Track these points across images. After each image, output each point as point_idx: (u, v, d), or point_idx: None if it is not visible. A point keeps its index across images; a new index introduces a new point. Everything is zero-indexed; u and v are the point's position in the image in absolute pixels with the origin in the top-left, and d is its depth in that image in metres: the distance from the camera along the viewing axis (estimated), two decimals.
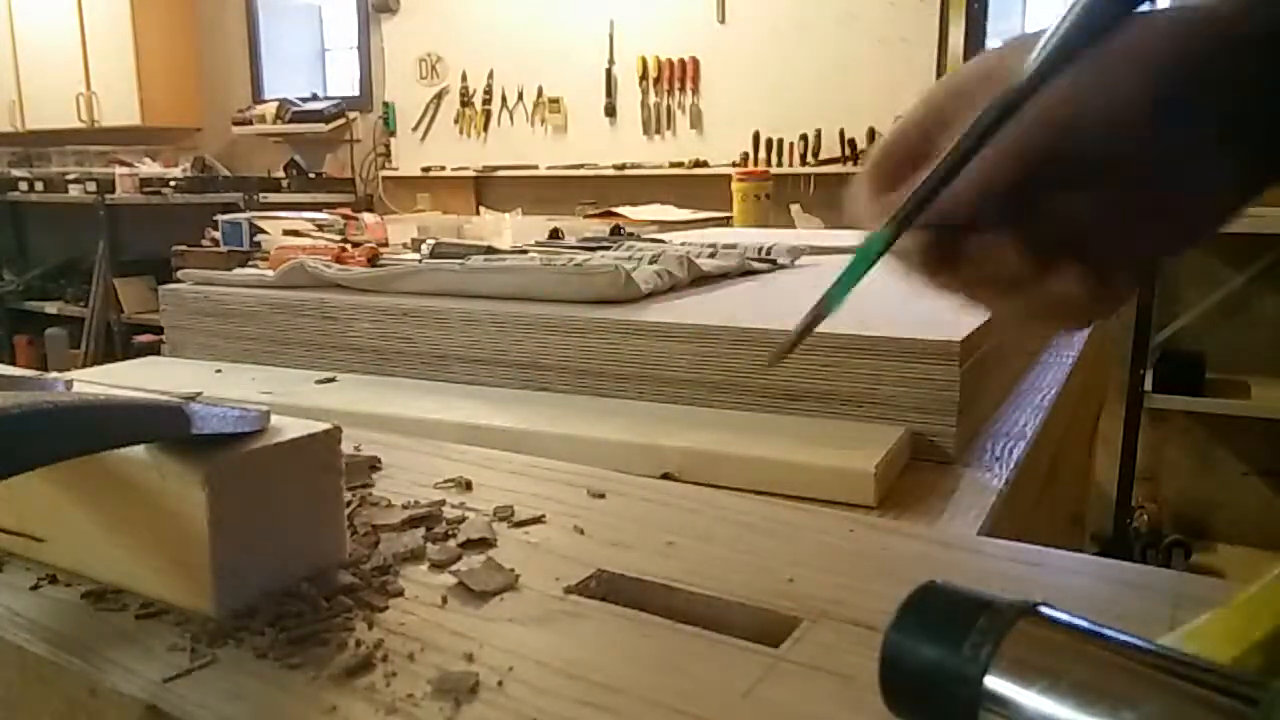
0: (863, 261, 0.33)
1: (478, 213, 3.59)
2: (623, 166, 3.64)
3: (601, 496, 0.47)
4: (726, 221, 2.49)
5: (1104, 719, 0.21)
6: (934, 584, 0.26)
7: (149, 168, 4.60)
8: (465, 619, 0.35)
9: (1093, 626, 0.23)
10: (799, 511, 0.47)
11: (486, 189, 4.13)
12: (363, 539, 0.41)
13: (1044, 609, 0.24)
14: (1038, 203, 0.31)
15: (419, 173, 4.28)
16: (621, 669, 0.31)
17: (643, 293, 0.82)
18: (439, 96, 4.21)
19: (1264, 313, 2.84)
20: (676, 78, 3.54)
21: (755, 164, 3.38)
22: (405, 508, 0.45)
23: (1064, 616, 0.24)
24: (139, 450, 0.35)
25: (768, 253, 1.10)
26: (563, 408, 0.70)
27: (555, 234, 1.65)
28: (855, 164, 3.38)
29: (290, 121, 4.57)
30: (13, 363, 3.95)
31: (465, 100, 4.13)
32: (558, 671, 0.31)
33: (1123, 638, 0.23)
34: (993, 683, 0.23)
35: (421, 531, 0.42)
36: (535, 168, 3.84)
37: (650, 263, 0.93)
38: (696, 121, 3.55)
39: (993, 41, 3.12)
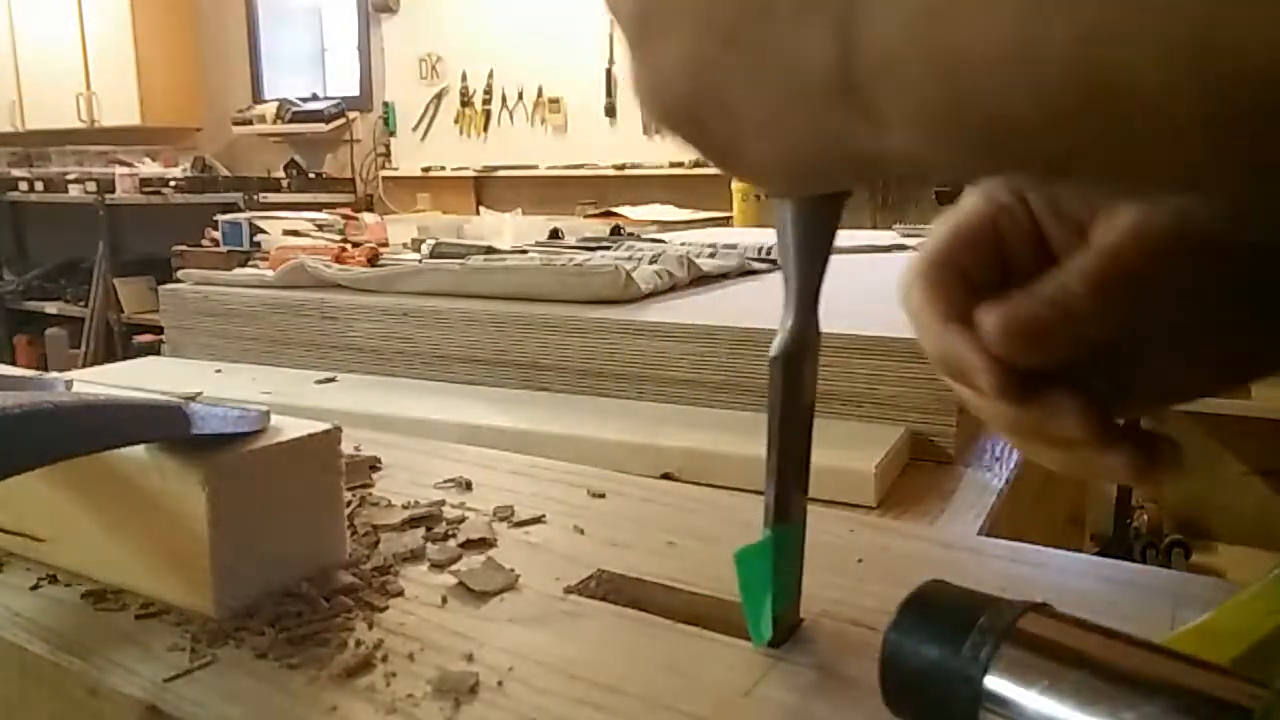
0: (762, 581, 0.31)
1: (478, 213, 3.59)
2: (623, 166, 3.64)
3: (601, 496, 0.47)
4: (726, 221, 2.50)
5: (1105, 718, 0.21)
6: (934, 584, 0.26)
7: (149, 168, 4.60)
8: (465, 619, 0.35)
9: (1093, 626, 0.23)
10: None
11: (486, 189, 4.13)
12: (363, 539, 0.41)
13: (1044, 609, 0.24)
14: (1117, 367, 0.30)
15: (419, 173, 4.29)
16: (621, 669, 0.31)
17: (643, 293, 0.82)
18: (439, 96, 4.21)
19: None
20: None
21: None
22: (405, 508, 0.45)
23: (1064, 617, 0.24)
24: (139, 450, 0.35)
25: (768, 253, 1.10)
26: (563, 408, 0.70)
27: (555, 234, 1.65)
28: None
29: (290, 121, 4.57)
30: (13, 363, 3.95)
31: (465, 100, 4.13)
32: (558, 671, 0.31)
33: (1123, 638, 0.23)
34: (993, 683, 0.23)
35: (421, 531, 0.42)
36: (535, 168, 3.84)
37: (650, 263, 0.93)
38: None
39: None
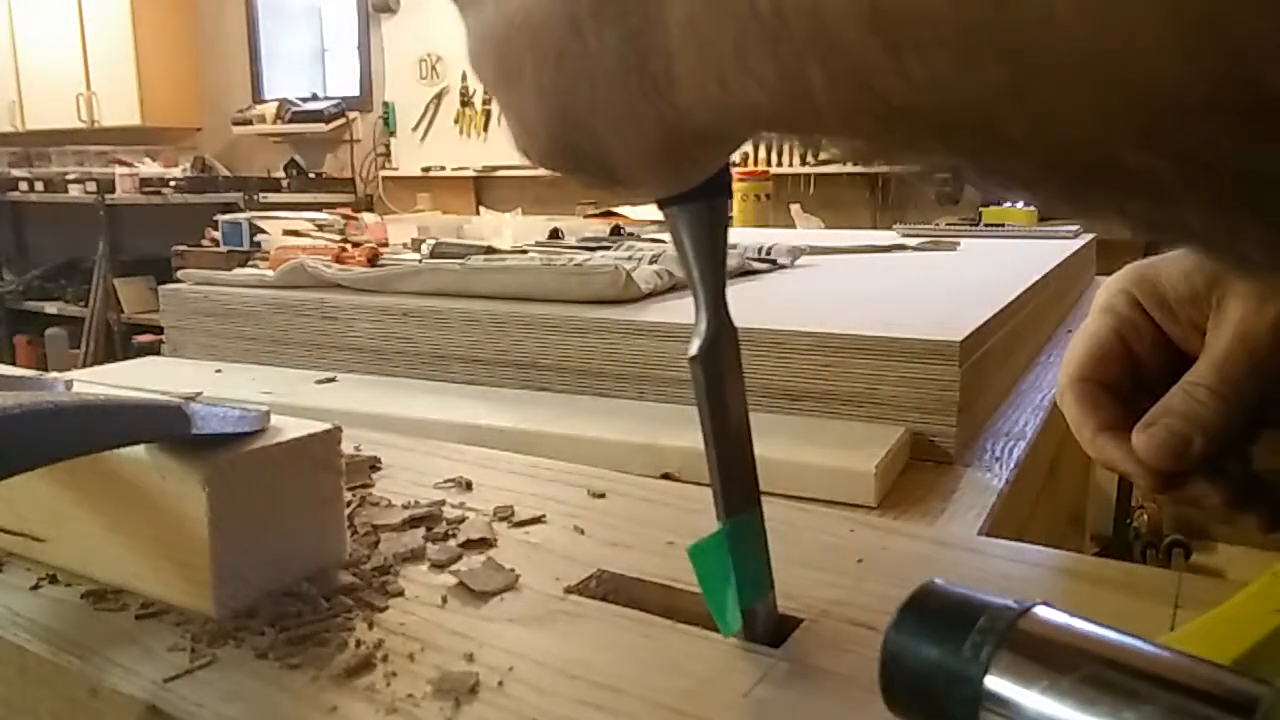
0: (722, 573, 0.31)
1: (478, 213, 3.59)
2: None
3: (601, 496, 0.47)
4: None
5: (1105, 718, 0.21)
6: (934, 584, 0.26)
7: (149, 168, 4.60)
8: (465, 619, 0.35)
9: (1093, 626, 0.23)
10: (799, 511, 0.47)
11: (486, 189, 4.13)
12: (363, 539, 0.41)
13: (1044, 609, 0.24)
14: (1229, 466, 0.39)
15: (419, 173, 4.29)
16: (621, 669, 0.31)
17: (643, 293, 0.82)
18: (439, 96, 4.21)
19: None
20: None
21: (755, 164, 3.38)
22: (405, 508, 0.45)
23: (1064, 617, 0.24)
24: (139, 450, 0.35)
25: (768, 253, 1.10)
26: (563, 408, 0.70)
27: (555, 234, 1.65)
28: (855, 164, 3.38)
29: (290, 121, 4.57)
30: (13, 363, 3.95)
31: (465, 100, 4.13)
32: (558, 671, 0.31)
33: (1123, 638, 0.23)
34: (993, 683, 0.23)
35: (421, 531, 0.42)
36: (535, 167, 3.83)
37: (650, 263, 0.93)
38: None
39: None
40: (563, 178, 0.27)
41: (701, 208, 0.29)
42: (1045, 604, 0.24)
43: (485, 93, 4.03)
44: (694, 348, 0.30)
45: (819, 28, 0.17)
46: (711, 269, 0.30)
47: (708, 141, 0.24)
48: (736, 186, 2.38)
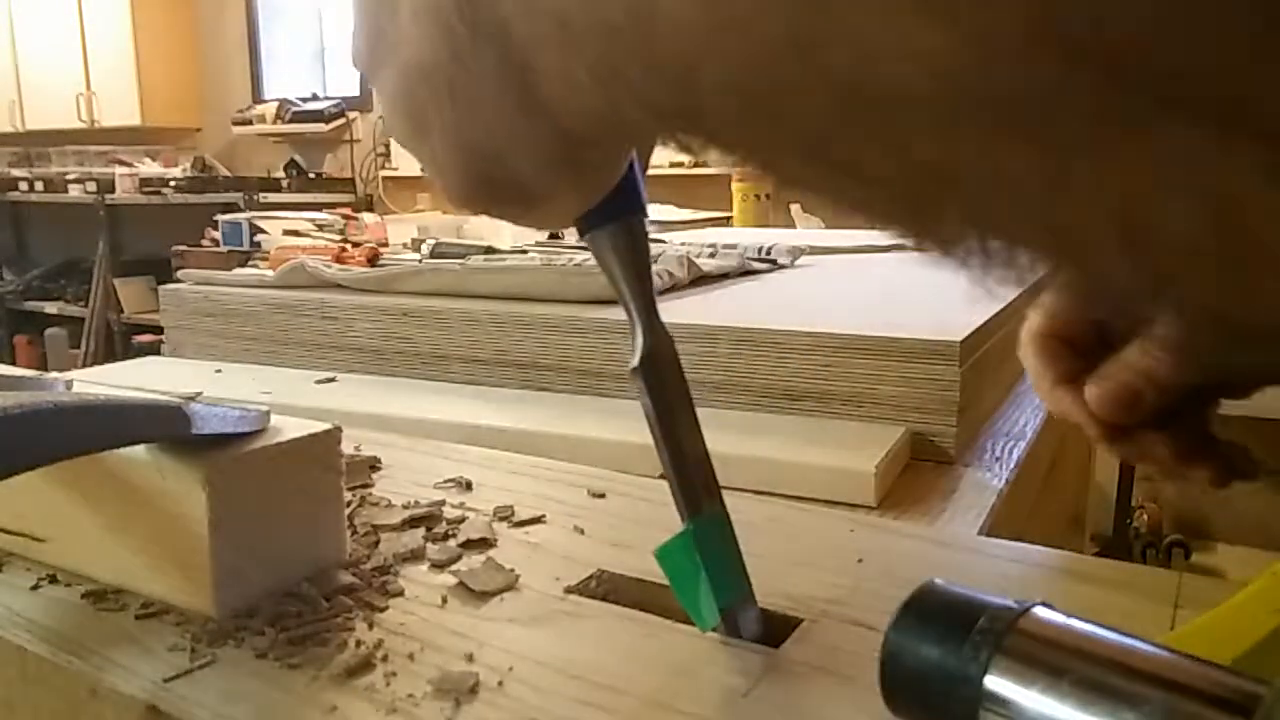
0: (692, 572, 0.32)
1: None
2: None
3: (601, 496, 0.47)
4: (726, 221, 2.49)
5: (1104, 717, 0.21)
6: (934, 584, 0.26)
7: (149, 168, 4.60)
8: (465, 619, 0.35)
9: (1093, 627, 0.23)
10: (799, 511, 0.47)
11: None
12: (363, 539, 0.41)
13: (1043, 609, 0.24)
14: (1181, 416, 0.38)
15: (419, 173, 4.28)
16: (621, 669, 0.31)
17: None
18: None
19: None
20: None
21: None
22: (405, 508, 0.45)
23: (1063, 617, 0.24)
24: (139, 450, 0.35)
25: (768, 253, 1.10)
26: (563, 408, 0.70)
27: (555, 234, 1.65)
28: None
29: (290, 121, 4.57)
30: (13, 363, 3.95)
31: None
32: (558, 671, 0.31)
33: (1122, 638, 0.23)
34: (993, 683, 0.23)
35: (421, 531, 0.42)
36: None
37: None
38: None
39: None
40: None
41: (619, 228, 0.30)
42: (1045, 604, 0.24)
43: None
44: (634, 360, 0.32)
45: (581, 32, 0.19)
46: (639, 285, 0.31)
47: (594, 145, 0.25)
48: (736, 187, 2.38)
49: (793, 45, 0.16)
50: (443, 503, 0.46)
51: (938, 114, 0.15)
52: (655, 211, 2.88)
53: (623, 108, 0.21)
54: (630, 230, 0.30)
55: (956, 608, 0.24)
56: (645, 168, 0.30)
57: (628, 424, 0.64)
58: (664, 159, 3.57)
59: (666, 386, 0.32)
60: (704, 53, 0.17)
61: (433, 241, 1.12)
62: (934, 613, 0.25)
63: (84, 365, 3.98)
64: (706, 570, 0.32)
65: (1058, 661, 0.22)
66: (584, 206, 0.29)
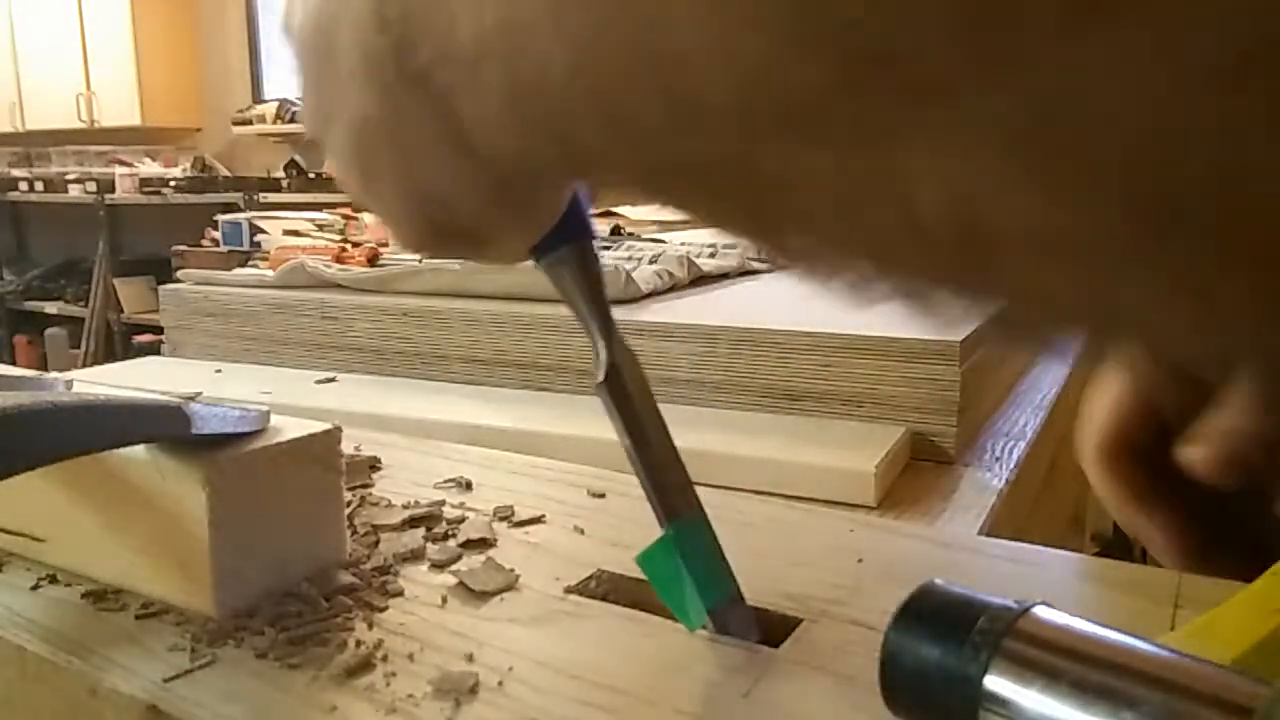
0: (676, 575, 0.32)
1: None
2: None
3: (601, 496, 0.47)
4: None
5: (1104, 717, 0.21)
6: (934, 584, 0.26)
7: (149, 168, 4.60)
8: (465, 619, 0.35)
9: (1092, 627, 0.23)
10: (799, 511, 0.47)
11: None
12: (363, 539, 0.41)
13: (1043, 609, 0.24)
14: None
15: None
16: (621, 669, 0.31)
17: (643, 292, 0.82)
18: None
19: None
20: None
21: None
22: (405, 508, 0.45)
23: (1064, 617, 0.24)
24: (139, 450, 0.35)
25: None
26: (563, 408, 0.70)
27: None
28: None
29: (290, 121, 4.57)
30: (13, 363, 3.95)
31: None
32: (558, 671, 0.31)
33: (1123, 638, 0.23)
34: (992, 683, 0.23)
35: (421, 531, 0.42)
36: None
37: (650, 263, 0.93)
38: None
39: None
40: None
41: (570, 251, 0.31)
42: (1045, 604, 0.24)
43: None
44: (598, 375, 0.32)
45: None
46: (596, 304, 0.32)
47: (529, 185, 0.26)
48: None
49: (634, 61, 0.17)
50: (443, 503, 0.46)
51: (744, 118, 0.17)
52: (655, 212, 2.88)
53: (536, 146, 0.22)
54: (581, 252, 0.31)
55: (956, 608, 0.24)
56: (593, 200, 0.32)
57: None
58: None
59: (632, 398, 0.33)
60: (573, 81, 0.18)
61: None
62: (934, 613, 0.25)
63: (84, 365, 3.98)
64: (689, 572, 0.32)
65: (1057, 662, 0.22)
66: (530, 242, 0.30)
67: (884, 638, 0.25)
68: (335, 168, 0.28)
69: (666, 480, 0.33)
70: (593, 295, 0.32)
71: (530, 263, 0.32)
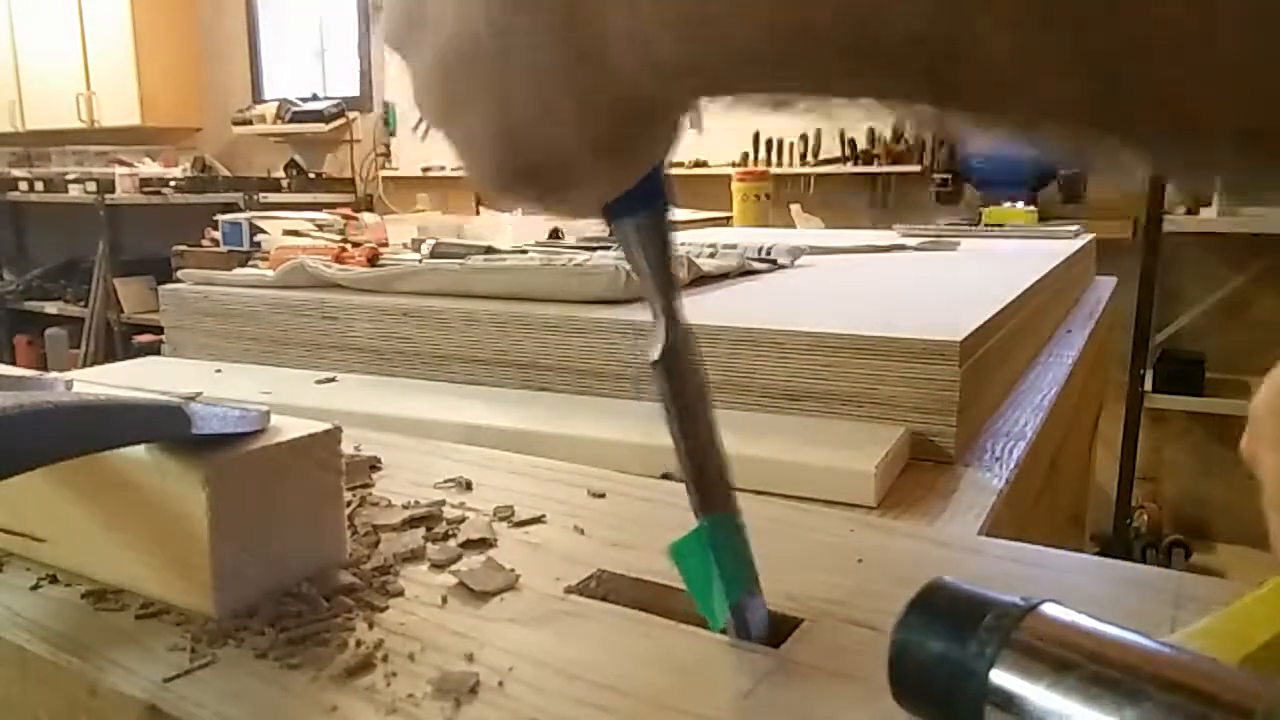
0: (705, 570, 0.32)
1: (478, 213, 3.58)
2: None
3: (601, 496, 0.47)
4: (726, 221, 2.49)
5: (1108, 714, 0.21)
6: (943, 580, 0.26)
7: (149, 168, 4.60)
8: (465, 619, 0.35)
9: (1100, 625, 0.23)
10: (799, 511, 0.47)
11: None
12: (363, 539, 0.41)
13: (1051, 606, 0.24)
14: None
15: (419, 173, 4.28)
16: (621, 669, 0.31)
17: None
18: None
19: (1264, 313, 2.85)
20: None
21: (755, 164, 3.38)
22: (405, 508, 0.45)
23: (1072, 615, 0.24)
24: (139, 450, 0.35)
25: (768, 253, 1.10)
26: (563, 408, 0.70)
27: (555, 234, 1.65)
28: (855, 164, 3.38)
29: (290, 121, 4.57)
30: (13, 363, 3.95)
31: None
32: (558, 671, 0.31)
33: (1129, 636, 0.23)
34: (998, 678, 0.23)
35: (421, 531, 0.42)
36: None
37: None
38: (696, 121, 3.55)
39: None
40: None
41: (647, 216, 0.30)
42: (1053, 602, 0.24)
43: None
44: (655, 353, 0.31)
45: None
46: (664, 276, 0.31)
47: (650, 116, 0.25)
48: (737, 187, 2.38)
49: None
50: (443, 503, 0.46)
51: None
52: None
53: (707, 56, 0.21)
54: (657, 219, 0.30)
55: (964, 604, 0.25)
56: (668, 162, 0.30)
57: (628, 424, 0.64)
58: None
59: (686, 381, 0.32)
60: None
61: (433, 241, 1.12)
62: (942, 609, 0.25)
63: (84, 365, 3.98)
64: (719, 568, 0.32)
65: (1062, 658, 0.22)
66: (617, 190, 0.28)
67: (893, 632, 0.25)
68: (415, 85, 0.26)
69: (707, 471, 0.32)
70: (662, 265, 0.31)
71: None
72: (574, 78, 0.23)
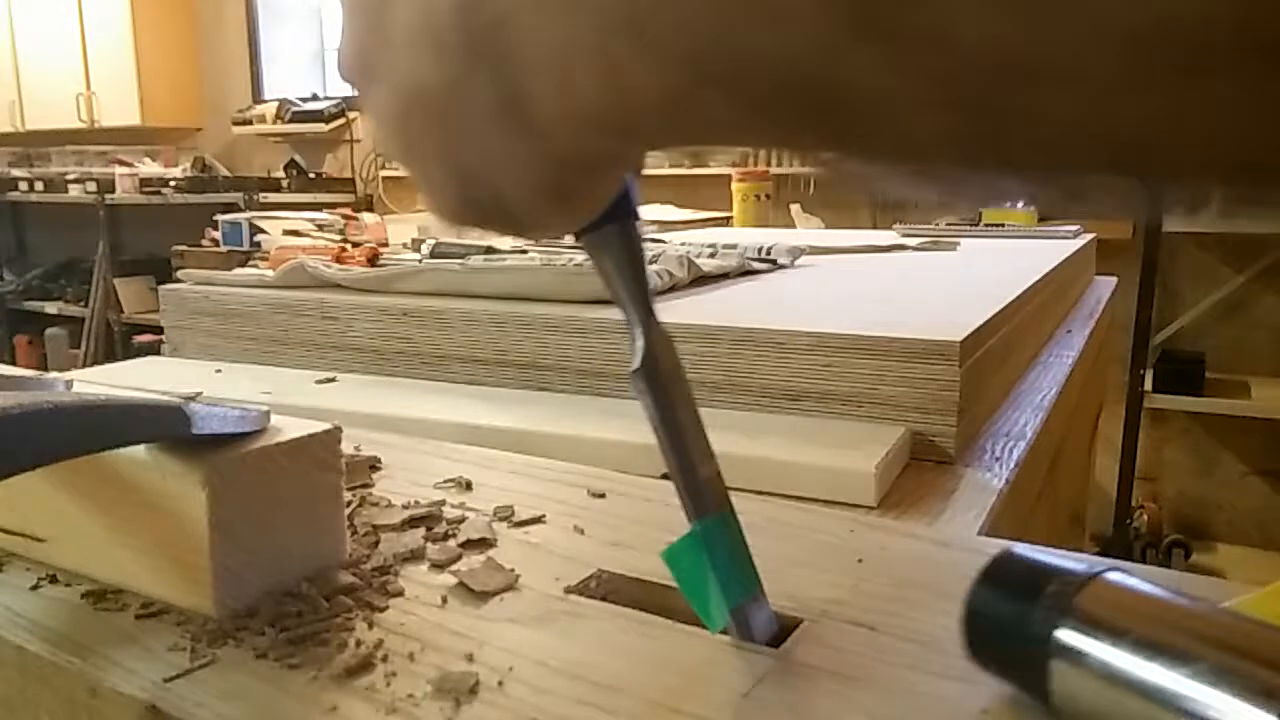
0: (701, 573, 0.32)
1: None
2: None
3: (601, 496, 0.47)
4: (726, 221, 2.49)
5: (1164, 669, 0.23)
6: (1014, 549, 0.29)
7: (149, 168, 4.60)
8: (465, 619, 0.35)
9: (1163, 591, 0.25)
10: (799, 511, 0.47)
11: None
12: (363, 539, 0.41)
13: (1115, 574, 0.26)
14: None
15: None
16: (621, 669, 0.31)
17: None
18: None
19: (1264, 313, 2.85)
20: None
21: (755, 164, 3.37)
22: (405, 508, 0.45)
23: (1135, 581, 0.26)
24: (139, 450, 0.35)
25: (768, 253, 1.10)
26: (563, 408, 0.70)
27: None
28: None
29: (290, 121, 4.57)
30: (13, 363, 3.95)
31: None
32: (558, 671, 0.31)
33: (1189, 603, 0.25)
34: (1063, 635, 0.25)
35: (421, 531, 0.42)
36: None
37: (650, 263, 0.93)
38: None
39: None
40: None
41: (615, 231, 0.30)
42: (1117, 569, 0.26)
43: None
44: (635, 362, 0.31)
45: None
46: (636, 286, 0.31)
47: (588, 169, 0.25)
48: (737, 187, 2.38)
49: None
50: (443, 503, 0.46)
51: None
52: (655, 211, 2.88)
53: (621, 113, 0.21)
54: (625, 232, 0.30)
55: (1033, 570, 0.27)
56: (639, 172, 0.30)
57: (628, 424, 0.64)
58: (664, 159, 3.57)
59: (668, 388, 0.32)
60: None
61: (433, 241, 1.12)
62: (1013, 573, 0.28)
63: (84, 365, 3.98)
64: (715, 571, 0.31)
65: (1123, 619, 0.24)
66: (573, 229, 0.29)
67: (967, 595, 0.28)
68: (374, 128, 0.27)
69: (697, 476, 0.32)
70: (633, 278, 0.31)
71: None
72: (507, 136, 0.23)
